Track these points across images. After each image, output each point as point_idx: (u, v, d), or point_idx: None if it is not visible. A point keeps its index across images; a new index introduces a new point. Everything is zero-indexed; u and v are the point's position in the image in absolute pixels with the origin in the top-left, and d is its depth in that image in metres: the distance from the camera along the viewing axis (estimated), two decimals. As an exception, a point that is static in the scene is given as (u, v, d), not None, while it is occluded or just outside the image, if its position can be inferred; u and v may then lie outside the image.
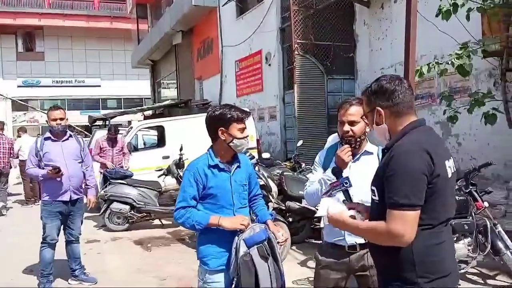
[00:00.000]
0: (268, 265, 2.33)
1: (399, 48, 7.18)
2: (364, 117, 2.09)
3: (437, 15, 5.28)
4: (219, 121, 2.49)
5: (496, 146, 6.52)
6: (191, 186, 2.47)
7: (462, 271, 4.11)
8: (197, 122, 8.46)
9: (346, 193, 2.14)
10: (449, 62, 4.87)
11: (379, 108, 1.85)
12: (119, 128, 8.79)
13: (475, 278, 4.40)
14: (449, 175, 1.75)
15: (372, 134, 2.13)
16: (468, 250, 4.18)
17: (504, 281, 4.29)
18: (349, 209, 2.00)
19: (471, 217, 4.26)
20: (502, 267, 4.27)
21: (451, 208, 1.80)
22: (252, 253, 2.31)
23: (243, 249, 2.32)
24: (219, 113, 2.50)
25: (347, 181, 2.13)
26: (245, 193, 2.62)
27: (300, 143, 8.10)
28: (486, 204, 4.34)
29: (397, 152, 1.71)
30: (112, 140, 8.12)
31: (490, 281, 4.35)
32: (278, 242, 2.49)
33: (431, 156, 1.67)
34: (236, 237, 2.39)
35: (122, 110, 22.53)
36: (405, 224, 1.63)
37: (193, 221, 2.43)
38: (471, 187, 4.34)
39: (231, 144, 2.50)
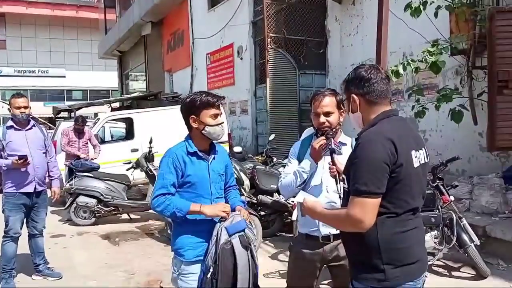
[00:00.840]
0: (248, 255, 2.30)
1: (369, 44, 7.31)
2: (341, 104, 2.11)
3: (405, 10, 5.38)
4: (190, 109, 2.40)
5: (461, 142, 6.72)
6: (171, 173, 2.37)
7: (429, 263, 4.21)
8: (167, 115, 8.38)
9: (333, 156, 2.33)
10: (423, 60, 4.99)
11: (354, 96, 1.88)
12: (86, 120, 8.53)
13: (440, 270, 4.53)
14: (415, 165, 1.77)
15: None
16: (435, 242, 4.28)
17: (468, 273, 4.43)
18: (334, 172, 2.28)
19: (437, 211, 4.37)
20: (467, 259, 4.41)
21: (418, 198, 1.82)
22: (233, 241, 2.27)
23: (224, 237, 2.27)
24: (189, 101, 2.41)
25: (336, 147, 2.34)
26: (221, 183, 2.56)
27: (272, 137, 8.10)
28: (452, 198, 4.47)
29: (363, 141, 1.75)
30: (79, 132, 7.89)
31: (455, 273, 4.48)
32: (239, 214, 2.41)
33: (395, 145, 1.70)
34: (218, 224, 2.33)
35: (88, 101, 21.88)
36: (364, 210, 1.66)
37: (173, 208, 2.33)
38: (438, 181, 4.46)
39: (203, 132, 2.40)
